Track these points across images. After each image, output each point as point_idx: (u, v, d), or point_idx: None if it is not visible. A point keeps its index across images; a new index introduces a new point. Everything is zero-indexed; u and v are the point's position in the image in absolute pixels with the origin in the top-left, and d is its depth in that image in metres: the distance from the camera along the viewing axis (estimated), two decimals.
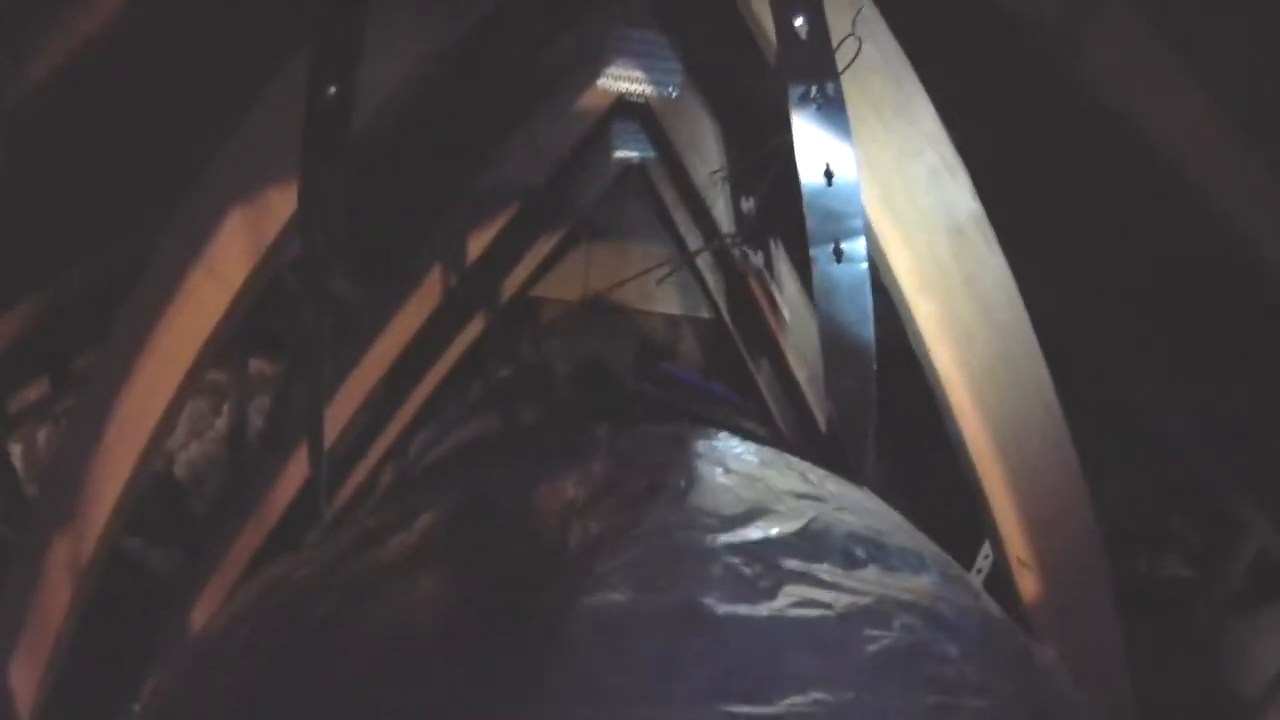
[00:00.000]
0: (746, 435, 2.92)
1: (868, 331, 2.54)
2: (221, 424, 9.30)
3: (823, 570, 1.93)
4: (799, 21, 2.48)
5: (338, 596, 2.09)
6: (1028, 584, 3.13)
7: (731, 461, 2.53)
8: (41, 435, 8.89)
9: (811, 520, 2.22)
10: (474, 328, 7.26)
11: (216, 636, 2.37)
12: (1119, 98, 2.72)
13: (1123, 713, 3.35)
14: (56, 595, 3.96)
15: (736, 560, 1.93)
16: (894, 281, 2.74)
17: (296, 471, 5.59)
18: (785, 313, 5.31)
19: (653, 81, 5.08)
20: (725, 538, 2.03)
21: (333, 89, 2.74)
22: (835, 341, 2.58)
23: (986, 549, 3.46)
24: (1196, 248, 3.26)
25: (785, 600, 1.82)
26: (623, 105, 5.46)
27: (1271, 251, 2.70)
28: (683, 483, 2.30)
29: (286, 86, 2.96)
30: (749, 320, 6.34)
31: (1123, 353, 5.17)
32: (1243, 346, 3.99)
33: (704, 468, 2.44)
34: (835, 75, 2.48)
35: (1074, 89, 2.80)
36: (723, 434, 2.88)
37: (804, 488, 2.44)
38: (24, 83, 2.88)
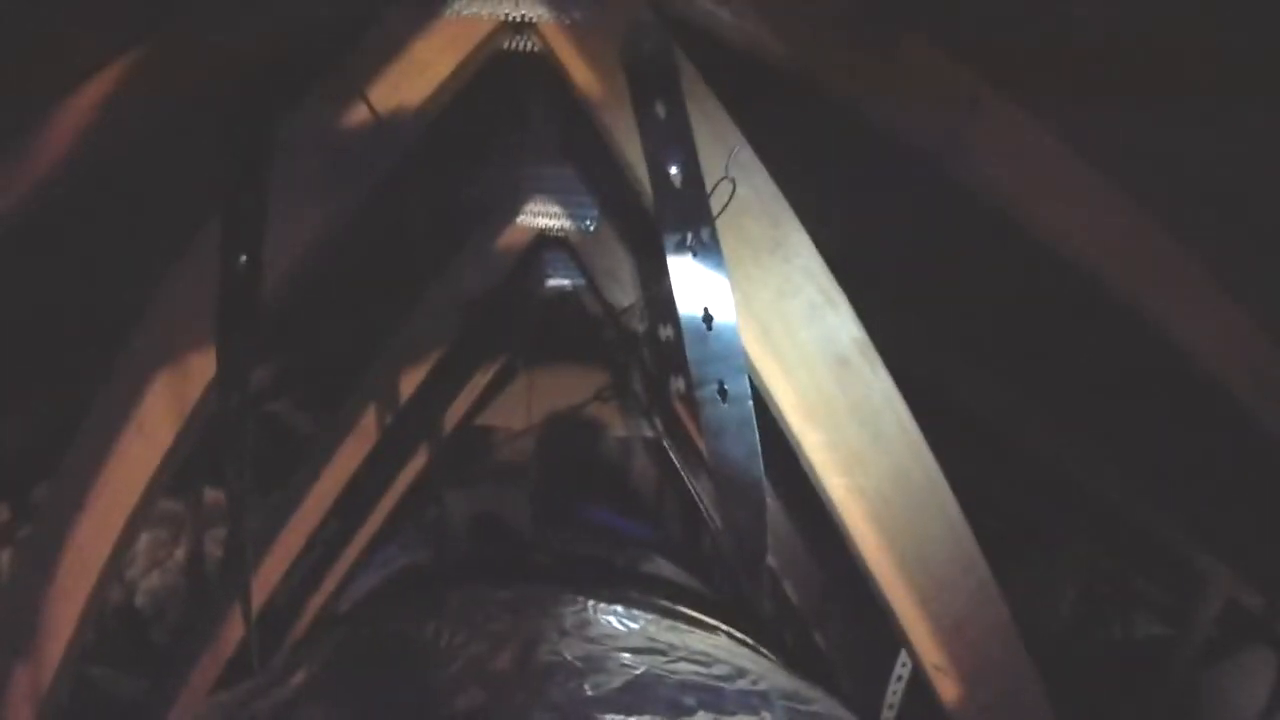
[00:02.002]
0: (642, 581, 3.01)
1: (757, 467, 2.61)
2: (180, 553, 9.29)
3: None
4: (673, 169, 2.61)
5: None
6: (947, 688, 3.18)
7: (569, 626, 2.61)
8: (4, 558, 8.94)
9: (640, 674, 2.30)
10: (418, 461, 7.29)
11: None
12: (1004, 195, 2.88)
13: None
14: None
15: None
16: (780, 415, 2.84)
17: (254, 600, 5.64)
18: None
19: (570, 216, 5.20)
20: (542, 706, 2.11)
21: (243, 257, 2.87)
22: (727, 478, 2.65)
23: (904, 657, 3.54)
24: (1105, 322, 3.39)
25: None
26: (543, 239, 5.56)
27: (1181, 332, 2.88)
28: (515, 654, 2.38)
29: (200, 253, 3.09)
30: (683, 442, 6.45)
31: (1065, 436, 5.31)
32: (1180, 416, 4.11)
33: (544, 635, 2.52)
34: (710, 221, 2.59)
35: (959, 192, 2.94)
36: (585, 604, 2.94)
37: (642, 644, 2.52)
38: None
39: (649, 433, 8.26)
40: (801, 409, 2.83)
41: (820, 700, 2.49)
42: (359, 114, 2.99)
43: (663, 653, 2.45)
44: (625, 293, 5.63)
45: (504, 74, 3.31)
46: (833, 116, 2.89)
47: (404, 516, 8.80)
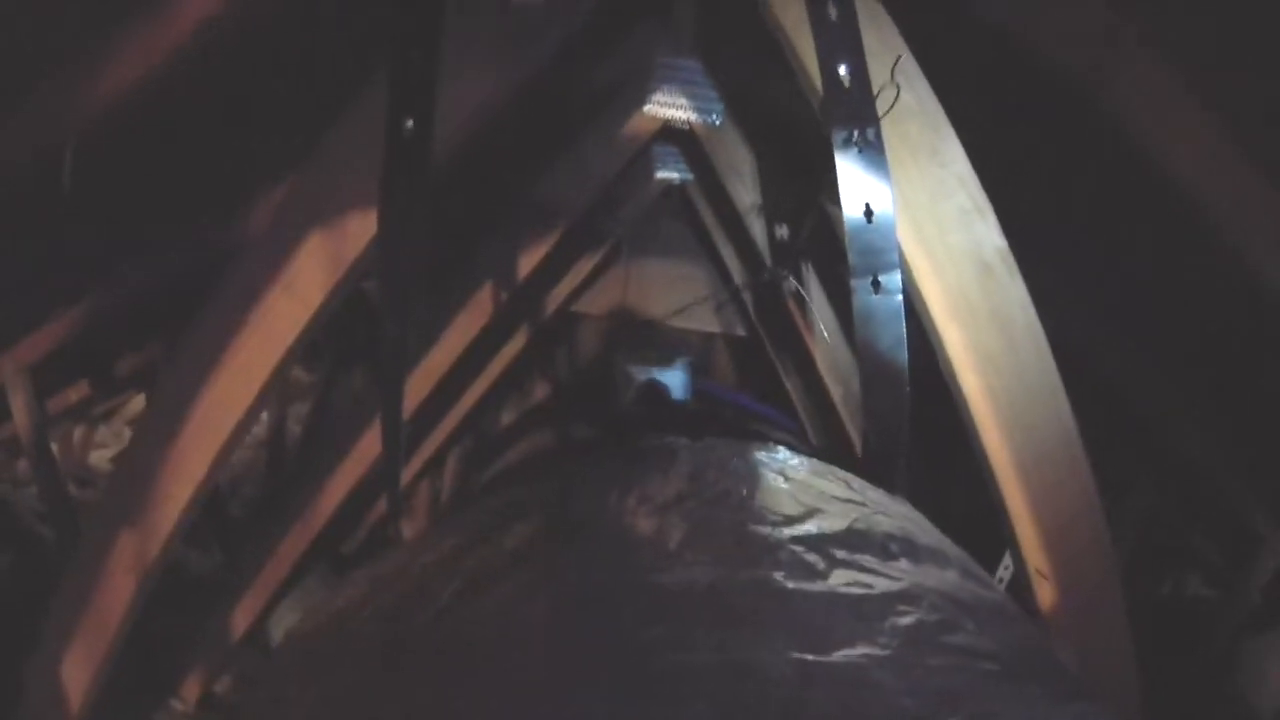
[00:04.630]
0: (790, 449, 3.13)
1: (902, 356, 2.73)
2: (260, 431, 9.50)
3: (865, 560, 2.17)
4: (843, 70, 2.69)
5: (460, 585, 2.25)
6: (1044, 592, 3.31)
7: (788, 471, 2.74)
8: (77, 435, 9.12)
9: (855, 520, 2.45)
10: (517, 342, 7.46)
11: (323, 629, 2.50)
12: (1140, 130, 2.94)
13: (1130, 713, 3.52)
14: (117, 592, 3.94)
15: (798, 549, 2.17)
16: (926, 311, 2.95)
17: (341, 480, 5.78)
18: (822, 334, 5.49)
19: (696, 109, 5.27)
20: (788, 532, 2.28)
21: (410, 123, 2.89)
22: (872, 365, 2.78)
23: (1007, 560, 3.66)
24: (1213, 275, 3.45)
25: (837, 580, 2.08)
26: (666, 131, 5.63)
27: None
28: (747, 489, 2.52)
29: (362, 114, 3.08)
30: (784, 340, 6.56)
31: (1147, 374, 5.33)
32: (1262, 366, 4.14)
33: (766, 475, 2.66)
34: (876, 121, 2.69)
35: (1096, 121, 3.01)
36: (778, 448, 3.09)
37: (847, 494, 2.65)
38: (94, 95, 2.98)
39: (741, 331, 8.35)
40: (946, 307, 2.93)
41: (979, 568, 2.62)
42: None
43: (865, 505, 2.59)
44: (744, 189, 5.70)
45: None
46: (986, 37, 2.97)
47: (498, 397, 9.00)
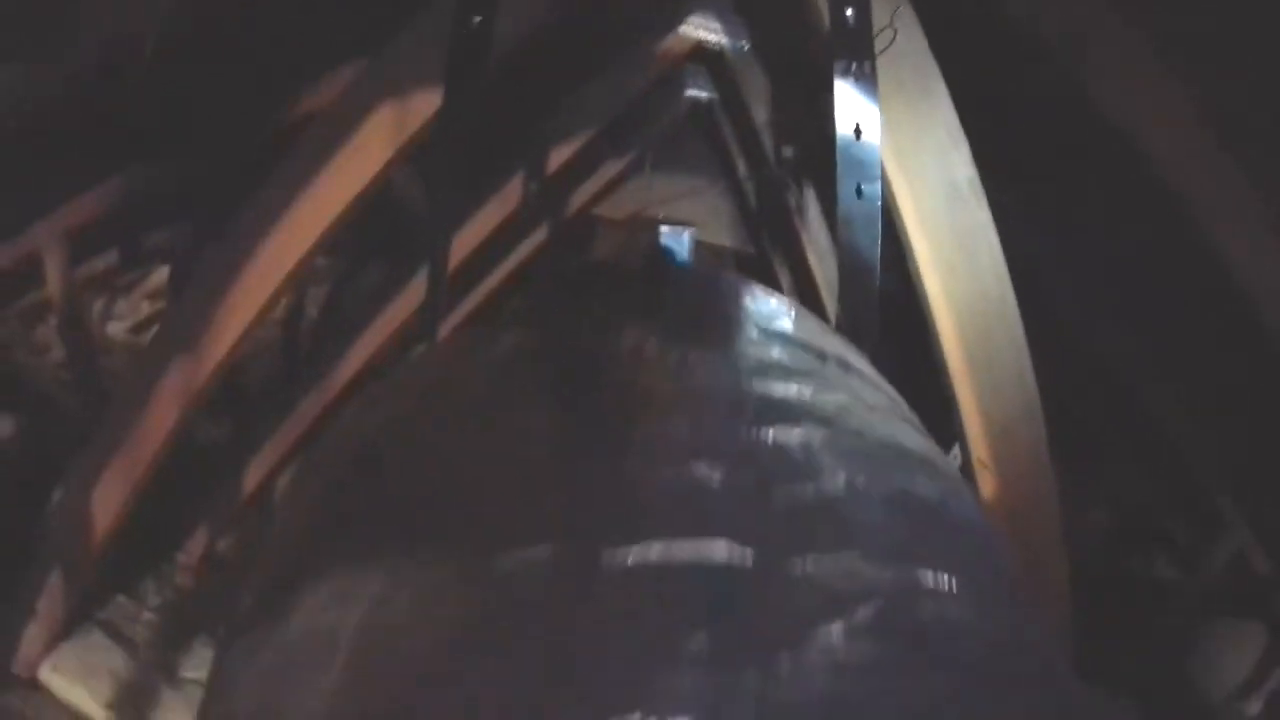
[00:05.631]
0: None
1: (875, 253, 3.14)
2: (278, 310, 9.74)
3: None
4: (849, 11, 3.17)
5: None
6: (986, 483, 3.82)
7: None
8: (96, 306, 9.22)
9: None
10: (537, 237, 7.85)
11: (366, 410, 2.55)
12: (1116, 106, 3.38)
13: (1059, 603, 4.02)
14: (160, 419, 4.31)
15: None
16: (900, 221, 3.46)
17: (358, 353, 6.23)
18: (816, 239, 5.94)
19: (726, 34, 5.72)
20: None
21: (476, 19, 3.34)
22: (850, 261, 3.22)
23: (955, 450, 4.14)
24: (1188, 262, 3.83)
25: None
26: (697, 52, 6.02)
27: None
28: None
29: (434, 10, 3.58)
30: (787, 256, 7.05)
31: (1128, 349, 5.70)
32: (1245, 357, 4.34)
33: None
34: (872, 57, 3.15)
35: (1073, 90, 3.46)
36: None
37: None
38: None
39: (750, 249, 8.74)
40: (916, 219, 3.44)
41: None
42: None
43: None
44: (761, 110, 6.15)
45: None
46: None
47: (514, 290, 9.31)
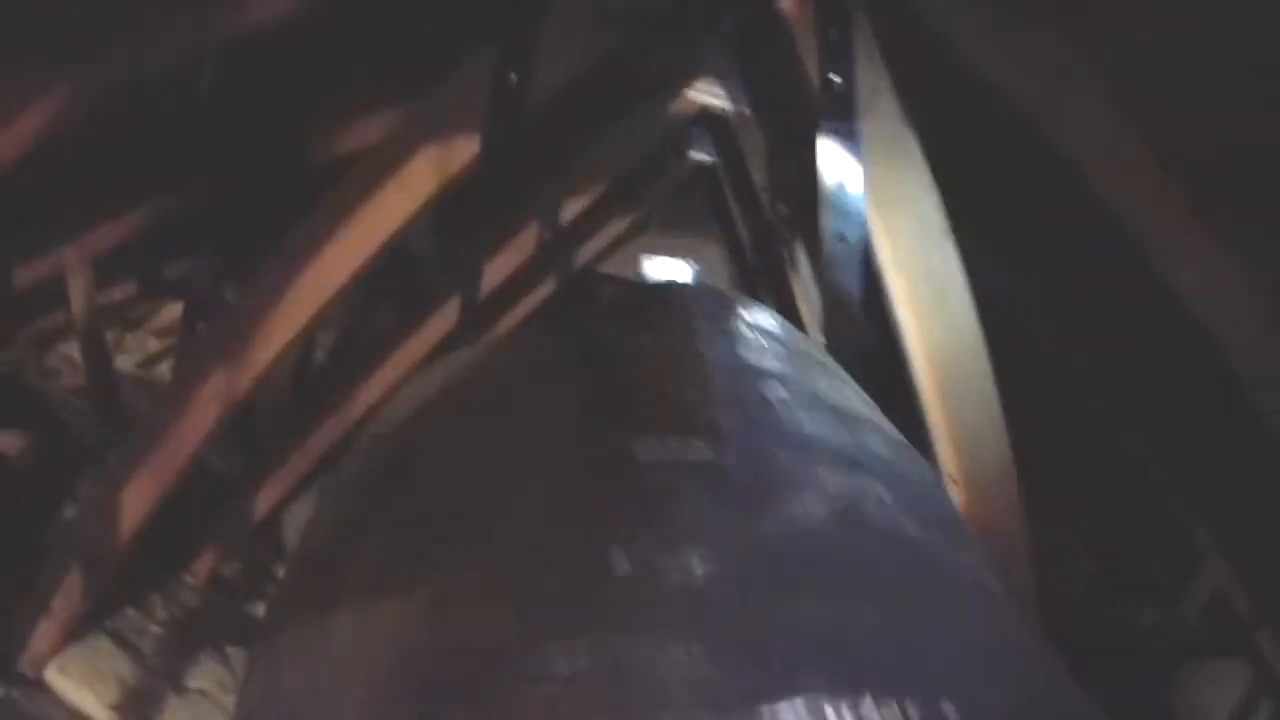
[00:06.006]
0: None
1: (857, 295, 3.48)
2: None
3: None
4: (836, 79, 3.56)
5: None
6: (956, 496, 3.97)
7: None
8: (109, 338, 8.92)
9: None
10: (545, 289, 8.22)
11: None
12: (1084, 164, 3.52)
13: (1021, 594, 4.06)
14: (197, 420, 4.44)
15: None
16: (881, 262, 3.82)
17: (372, 388, 6.46)
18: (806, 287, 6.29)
19: (732, 99, 6.14)
20: None
21: (513, 75, 3.75)
22: (835, 300, 3.54)
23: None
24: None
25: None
26: (706, 114, 6.43)
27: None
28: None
29: (475, 64, 3.88)
30: (776, 298, 7.29)
31: (1101, 386, 5.95)
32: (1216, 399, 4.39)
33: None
34: (857, 120, 3.55)
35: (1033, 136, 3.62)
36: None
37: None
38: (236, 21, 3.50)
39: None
40: (893, 261, 3.82)
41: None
42: None
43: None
44: (759, 171, 6.49)
45: None
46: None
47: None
